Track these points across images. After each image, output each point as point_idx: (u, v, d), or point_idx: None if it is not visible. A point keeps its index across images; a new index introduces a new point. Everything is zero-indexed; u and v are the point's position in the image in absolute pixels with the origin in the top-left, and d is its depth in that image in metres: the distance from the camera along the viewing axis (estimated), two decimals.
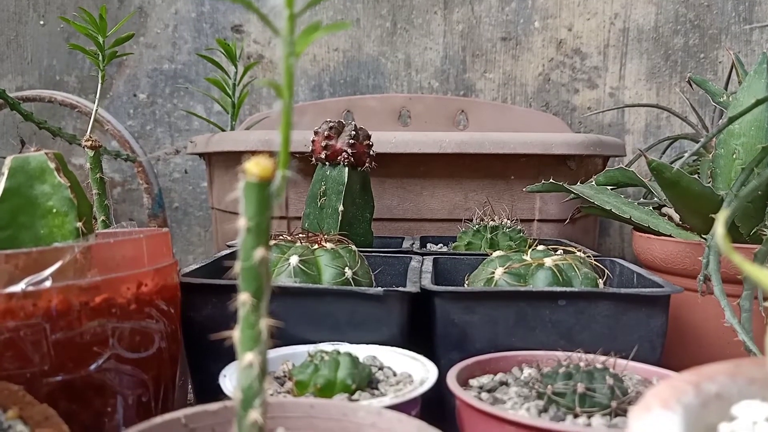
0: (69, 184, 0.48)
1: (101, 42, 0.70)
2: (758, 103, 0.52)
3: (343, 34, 1.31)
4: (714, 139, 0.72)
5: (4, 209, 0.48)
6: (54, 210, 0.48)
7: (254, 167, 0.31)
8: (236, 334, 0.33)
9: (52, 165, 0.48)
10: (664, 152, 1.12)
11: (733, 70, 0.75)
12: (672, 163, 1.03)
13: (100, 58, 0.71)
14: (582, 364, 0.47)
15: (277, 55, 1.32)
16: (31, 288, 0.41)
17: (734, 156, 0.64)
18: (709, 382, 0.32)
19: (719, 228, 0.30)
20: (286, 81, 0.32)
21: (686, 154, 0.60)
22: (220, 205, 1.09)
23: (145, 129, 1.36)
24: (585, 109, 1.28)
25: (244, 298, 0.32)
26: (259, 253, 0.31)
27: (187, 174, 1.36)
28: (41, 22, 1.37)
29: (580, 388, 0.44)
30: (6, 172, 0.48)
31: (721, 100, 0.72)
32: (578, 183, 0.90)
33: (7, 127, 1.37)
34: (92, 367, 0.44)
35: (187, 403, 0.71)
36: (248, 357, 0.33)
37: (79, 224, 0.48)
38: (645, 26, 1.25)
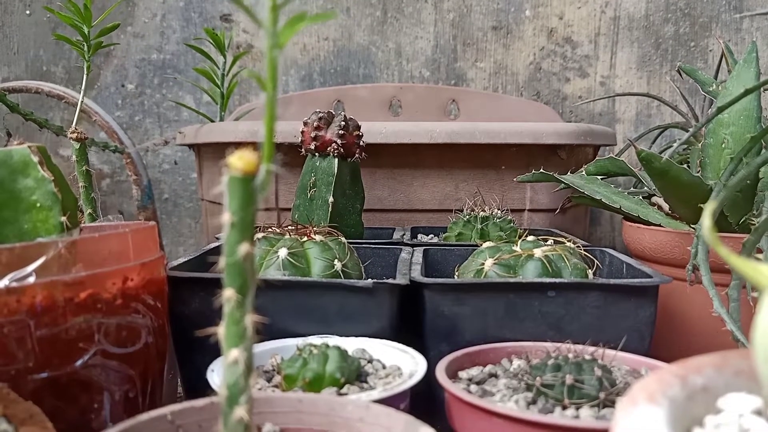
0: (53, 178, 0.48)
1: (86, 32, 0.69)
2: (748, 92, 0.51)
3: (334, 23, 1.30)
4: (703, 128, 0.72)
5: None
6: (38, 204, 0.48)
7: (238, 161, 0.31)
8: (221, 331, 0.33)
9: (36, 159, 0.48)
10: (654, 141, 1.12)
11: (723, 59, 0.75)
12: (662, 152, 1.03)
13: (86, 48, 0.70)
14: (571, 355, 0.47)
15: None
16: (14, 284, 0.41)
17: (723, 145, 0.64)
18: (696, 374, 0.32)
19: (706, 220, 0.30)
20: (270, 73, 0.31)
21: (675, 144, 0.60)
22: (209, 196, 1.09)
23: (134, 120, 1.35)
24: (576, 98, 1.28)
25: (228, 294, 0.32)
26: (244, 248, 0.31)
27: (177, 165, 1.35)
28: (27, 12, 1.35)
29: (569, 379, 0.44)
30: None
31: (711, 89, 0.72)
32: (569, 172, 0.90)
33: None
34: (78, 363, 0.43)
35: (177, 396, 0.71)
36: (233, 354, 0.32)
37: (64, 219, 0.48)
38: (636, 15, 1.25)
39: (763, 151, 0.61)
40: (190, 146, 1.12)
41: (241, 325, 0.33)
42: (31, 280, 0.41)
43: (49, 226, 0.48)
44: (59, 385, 0.43)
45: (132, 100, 1.35)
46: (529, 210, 0.96)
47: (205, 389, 0.46)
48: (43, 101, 1.33)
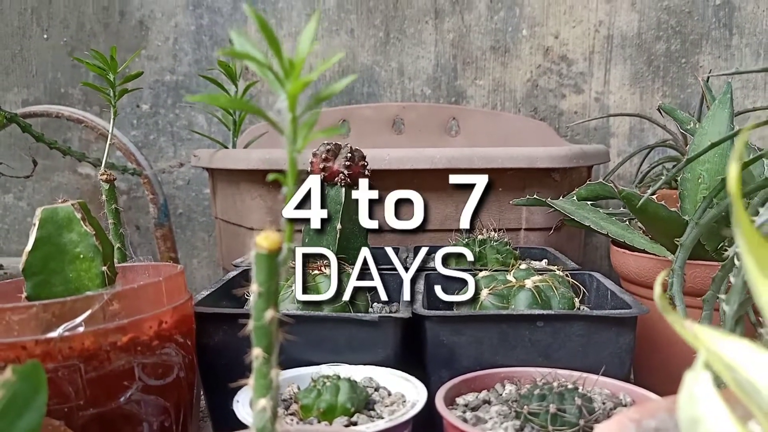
0: (94, 233, 0.54)
1: (112, 79, 0.75)
2: (713, 145, 0.57)
3: (339, 44, 1.35)
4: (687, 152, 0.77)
5: (37, 256, 0.53)
6: (81, 256, 0.54)
7: (264, 241, 0.37)
8: (251, 382, 0.39)
9: (78, 215, 0.54)
10: (645, 157, 1.17)
11: (704, 99, 0.80)
12: (651, 169, 1.08)
13: (112, 94, 0.76)
14: (555, 384, 0.53)
15: (275, 67, 1.36)
16: (67, 333, 0.47)
17: (699, 180, 0.70)
18: (650, 418, 0.38)
19: (656, 288, 0.36)
20: (290, 170, 0.37)
21: (651, 187, 0.66)
22: (223, 216, 1.15)
23: (149, 138, 1.41)
24: (572, 114, 1.33)
25: (257, 353, 0.37)
26: (269, 314, 0.37)
27: (190, 184, 1.42)
28: (45, 36, 1.41)
29: (552, 408, 0.50)
30: (37, 222, 0.53)
31: (689, 127, 0.78)
32: (564, 193, 0.95)
33: (15, 138, 1.42)
34: (122, 399, 0.49)
35: (200, 411, 0.77)
36: (261, 402, 0.38)
37: (104, 268, 0.54)
38: (628, 33, 1.30)
39: None
40: (204, 168, 1.18)
41: (268, 379, 0.39)
42: (81, 329, 0.48)
43: (92, 275, 0.54)
44: (105, 419, 0.49)
45: (147, 119, 1.41)
46: (525, 229, 1.02)
47: (229, 413, 0.52)
48: (62, 121, 1.39)
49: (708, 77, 0.80)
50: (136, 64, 1.38)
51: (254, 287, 0.37)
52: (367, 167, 0.89)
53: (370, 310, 0.75)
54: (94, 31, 1.39)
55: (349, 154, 0.88)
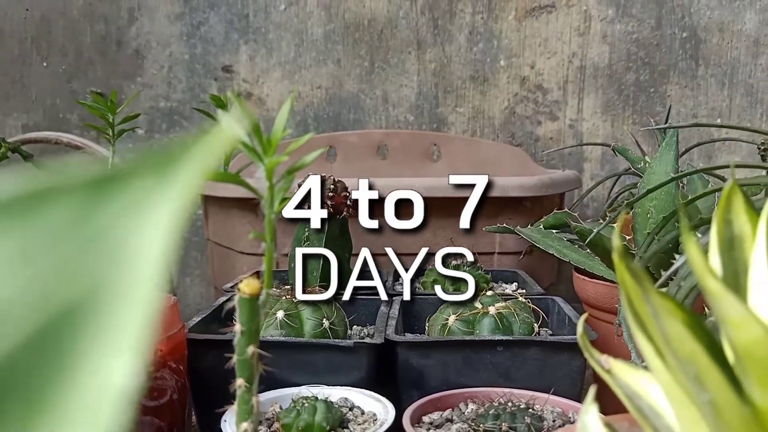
0: None
1: (111, 120, 0.81)
2: (649, 191, 0.64)
3: (325, 73, 1.42)
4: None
5: None
6: None
7: (246, 287, 0.43)
8: (235, 408, 0.45)
9: None
10: (615, 183, 1.24)
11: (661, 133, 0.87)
12: (620, 194, 1.15)
13: (111, 133, 0.82)
14: (510, 404, 0.60)
15: (265, 93, 1.43)
16: None
17: (648, 215, 0.76)
18: None
19: (579, 327, 0.42)
20: (268, 230, 0.44)
21: (604, 221, 0.72)
22: (214, 238, 1.21)
23: None
24: (548, 140, 1.40)
25: (239, 383, 0.44)
26: (251, 349, 0.43)
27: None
28: (44, 64, 1.47)
29: (504, 426, 0.57)
30: None
31: (639, 166, 0.85)
32: (534, 220, 1.02)
33: (15, 164, 1.48)
34: None
35: (191, 428, 0.83)
36: (244, 425, 0.45)
37: None
38: (600, 64, 1.37)
39: (678, 223, 0.74)
40: None
41: (250, 405, 0.45)
42: None
43: None
44: None
45: (142, 143, 1.47)
46: (498, 253, 1.08)
47: (218, 424, 0.59)
48: (61, 146, 1.45)
49: (664, 128, 0.87)
50: (132, 91, 1.45)
51: (238, 327, 0.43)
52: (349, 197, 0.96)
53: (349, 332, 0.81)
54: (91, 60, 1.46)
55: (332, 186, 0.94)
